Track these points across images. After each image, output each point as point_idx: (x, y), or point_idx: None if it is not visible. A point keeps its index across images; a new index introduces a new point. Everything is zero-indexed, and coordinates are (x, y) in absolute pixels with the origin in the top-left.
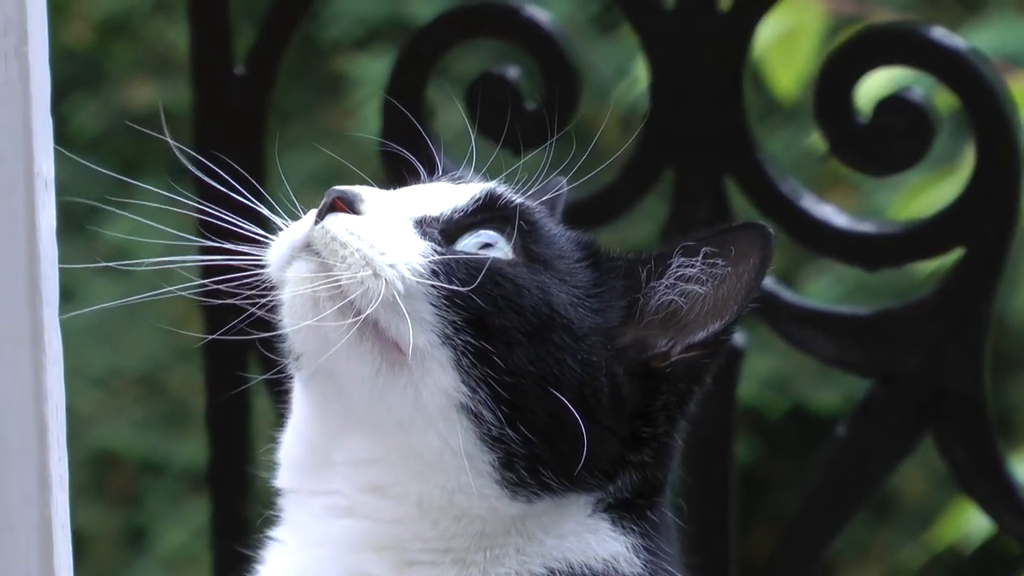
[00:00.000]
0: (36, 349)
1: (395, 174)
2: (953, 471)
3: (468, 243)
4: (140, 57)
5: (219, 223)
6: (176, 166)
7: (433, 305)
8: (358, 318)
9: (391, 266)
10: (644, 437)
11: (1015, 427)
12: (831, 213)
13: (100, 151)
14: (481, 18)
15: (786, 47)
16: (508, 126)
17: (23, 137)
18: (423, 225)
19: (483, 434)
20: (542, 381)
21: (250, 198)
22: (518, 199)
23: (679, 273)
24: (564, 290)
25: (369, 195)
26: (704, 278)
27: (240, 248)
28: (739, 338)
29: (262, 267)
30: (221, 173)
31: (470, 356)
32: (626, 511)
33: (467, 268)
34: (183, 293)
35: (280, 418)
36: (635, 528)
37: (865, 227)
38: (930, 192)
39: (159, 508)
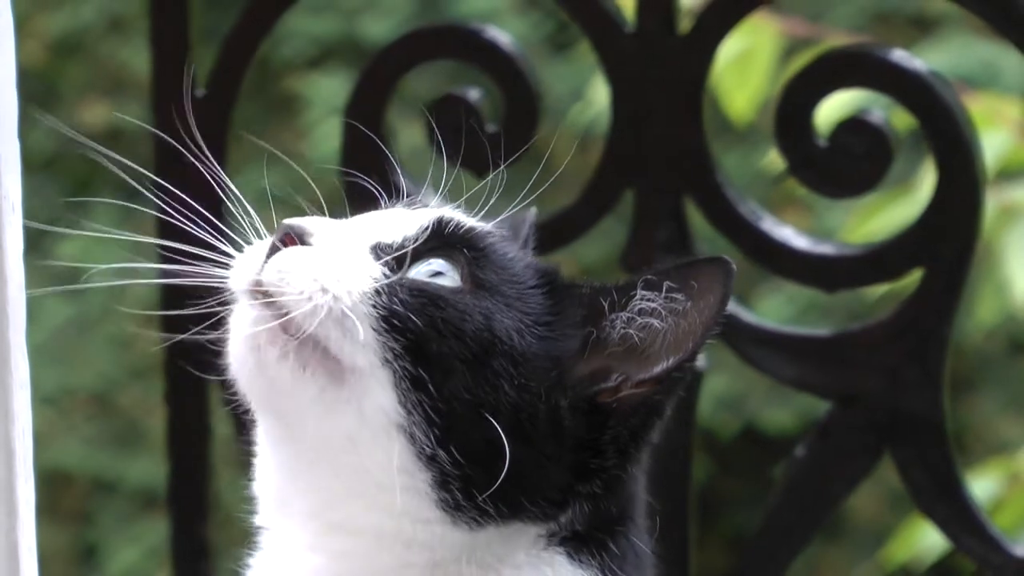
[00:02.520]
0: (3, 372)
1: (356, 195)
2: (912, 493)
3: (419, 271)
4: (93, 76)
5: (180, 243)
6: (130, 186)
7: (374, 329)
8: (301, 335)
9: (336, 287)
10: (593, 468)
11: (969, 446)
12: (790, 235)
13: (53, 170)
14: (442, 39)
15: (740, 69)
16: (469, 148)
17: None
18: (377, 251)
19: (418, 453)
20: (477, 407)
21: (209, 218)
22: (468, 224)
23: (639, 307)
24: (510, 316)
25: (319, 226)
26: (664, 313)
27: (200, 270)
28: (698, 360)
29: (221, 289)
30: (178, 202)
31: (407, 380)
32: (584, 543)
33: (409, 294)
34: (135, 311)
35: (240, 439)
36: (594, 561)
37: (824, 249)
38: (884, 213)
39: (111, 527)
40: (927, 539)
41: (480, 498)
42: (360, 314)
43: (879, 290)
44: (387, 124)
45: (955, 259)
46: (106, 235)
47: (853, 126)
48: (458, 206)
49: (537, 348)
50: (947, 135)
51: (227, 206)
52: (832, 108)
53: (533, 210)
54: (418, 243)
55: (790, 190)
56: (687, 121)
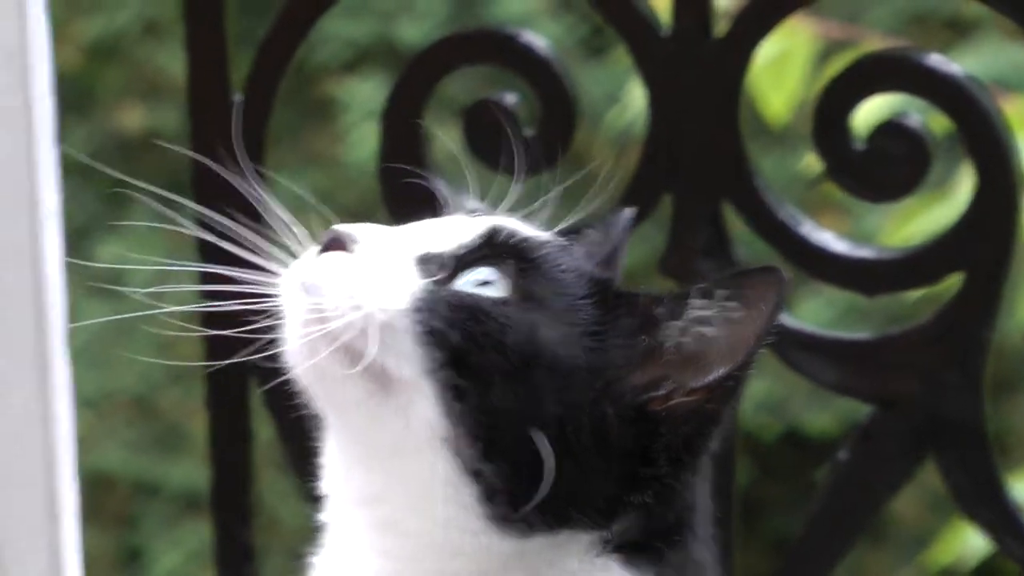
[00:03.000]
0: (45, 376)
1: (394, 200)
2: (955, 496)
3: (467, 280)
4: (129, 81)
5: (220, 251)
6: (165, 189)
7: (415, 341)
8: (342, 344)
9: (369, 301)
10: (644, 478)
11: (1011, 448)
12: (830, 239)
13: (90, 174)
14: (479, 44)
15: (777, 71)
16: (506, 152)
17: (27, 166)
18: (424, 262)
19: (463, 466)
20: (520, 420)
21: (253, 226)
22: (522, 233)
23: (693, 315)
24: (556, 328)
25: (366, 233)
26: (718, 321)
27: (244, 276)
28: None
29: (265, 296)
30: (220, 220)
31: (450, 391)
32: (640, 552)
33: (449, 306)
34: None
35: (285, 442)
36: (651, 569)
37: (864, 253)
38: (922, 216)
39: (154, 530)
40: (970, 542)
41: (526, 510)
42: (400, 327)
43: (917, 293)
44: (424, 129)
45: (994, 262)
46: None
47: (891, 130)
48: (518, 215)
49: (584, 360)
50: (984, 138)
51: (266, 212)
52: (869, 112)
53: (629, 211)
54: (468, 252)
55: (826, 193)
56: (724, 125)
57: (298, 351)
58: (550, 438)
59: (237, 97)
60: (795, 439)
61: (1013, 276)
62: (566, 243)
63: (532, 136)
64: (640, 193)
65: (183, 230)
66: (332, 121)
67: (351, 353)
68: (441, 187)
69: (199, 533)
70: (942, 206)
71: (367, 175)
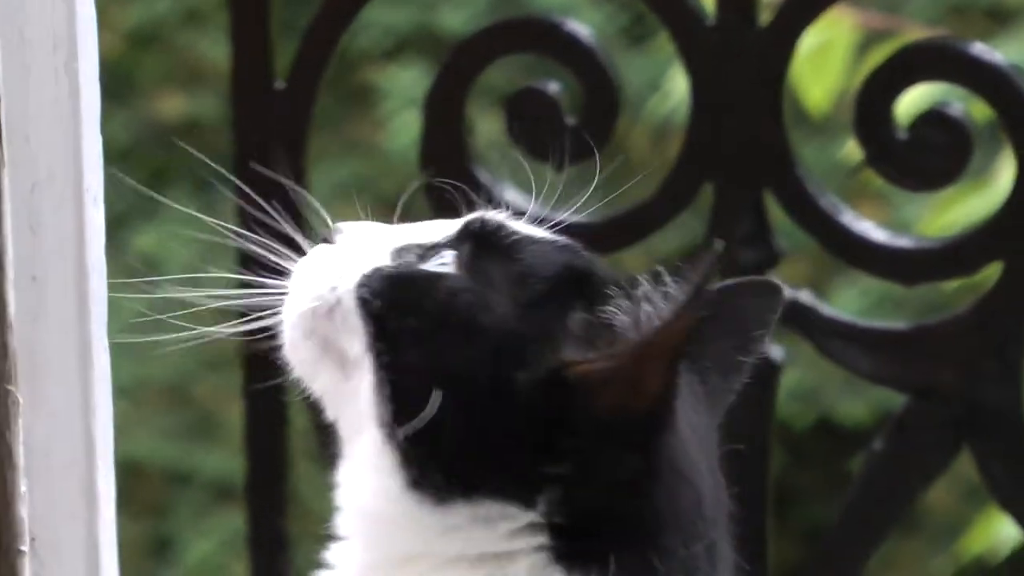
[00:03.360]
0: (84, 365)
1: (435, 189)
2: (990, 486)
3: (430, 264)
4: (170, 68)
5: (258, 247)
6: (206, 178)
7: (360, 317)
8: (308, 329)
9: (326, 282)
10: (563, 449)
11: None
12: (870, 228)
13: (129, 162)
14: (522, 32)
15: (818, 61)
16: (548, 141)
17: (73, 154)
18: (401, 252)
19: (387, 435)
20: (426, 379)
21: (290, 222)
22: (495, 223)
23: (638, 295)
24: (489, 299)
25: (354, 228)
26: (656, 299)
27: (274, 280)
28: (777, 352)
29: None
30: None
31: (376, 361)
32: (586, 561)
33: (383, 279)
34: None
35: (319, 430)
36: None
37: (903, 242)
38: (961, 205)
39: (186, 519)
40: (1003, 531)
41: (441, 473)
42: (347, 306)
43: (954, 283)
44: (467, 117)
45: None
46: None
47: (932, 118)
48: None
49: (510, 329)
50: None
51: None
52: (911, 101)
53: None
54: (441, 240)
55: (865, 182)
56: (767, 114)
57: (285, 341)
58: (454, 399)
59: (280, 85)
60: (828, 428)
61: None
62: (550, 240)
63: (574, 125)
64: (681, 182)
65: (218, 225)
66: (373, 109)
67: (319, 338)
68: (482, 176)
69: (232, 522)
70: (981, 195)
71: (408, 163)
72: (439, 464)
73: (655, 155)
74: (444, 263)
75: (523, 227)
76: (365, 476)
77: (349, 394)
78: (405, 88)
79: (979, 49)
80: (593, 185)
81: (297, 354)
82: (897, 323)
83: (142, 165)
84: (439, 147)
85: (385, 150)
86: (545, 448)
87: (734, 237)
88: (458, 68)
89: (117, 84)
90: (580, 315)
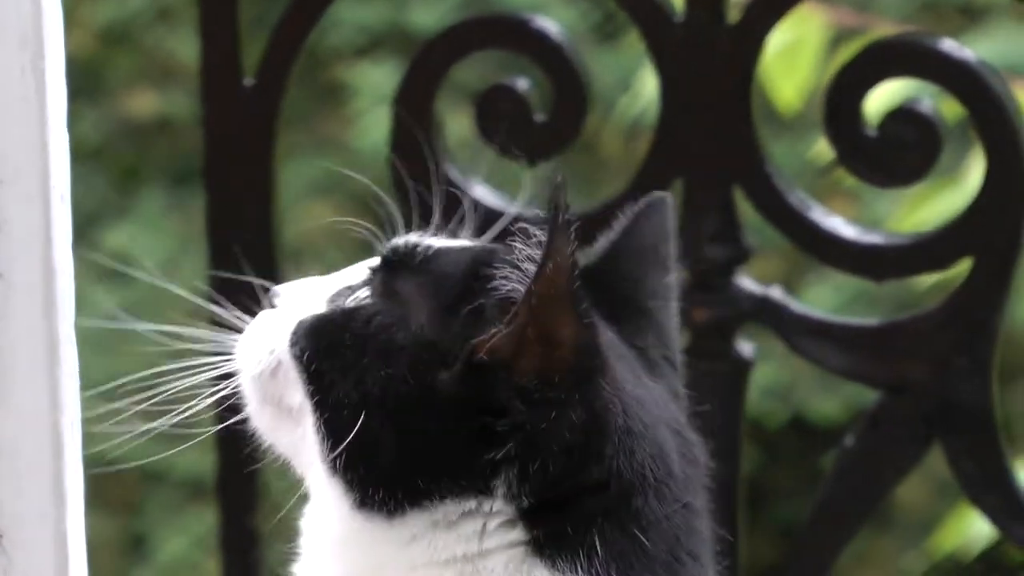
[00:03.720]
0: (52, 362)
1: (402, 187)
2: (961, 482)
3: (351, 300)
4: (142, 66)
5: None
6: (176, 175)
7: (296, 369)
8: (261, 393)
9: (273, 343)
10: (503, 431)
11: (1018, 435)
12: (840, 225)
13: (101, 160)
14: (491, 29)
15: (788, 58)
16: (517, 138)
17: (39, 151)
18: (335, 298)
19: (329, 467)
20: (354, 407)
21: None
22: (408, 245)
23: (518, 260)
24: (403, 315)
25: (290, 288)
26: (533, 255)
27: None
28: (748, 349)
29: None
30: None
31: (313, 401)
32: (566, 547)
33: (306, 328)
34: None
35: None
36: (575, 561)
37: (873, 238)
38: (932, 202)
39: (159, 516)
40: (975, 528)
41: (381, 490)
42: (284, 361)
43: (927, 280)
44: (435, 114)
45: (1004, 247)
46: None
47: (902, 115)
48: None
49: (426, 336)
50: (997, 124)
51: (276, 196)
52: (881, 98)
53: (662, 196)
54: (366, 277)
55: (836, 180)
56: (736, 111)
57: (249, 411)
58: (382, 417)
59: (249, 81)
60: (801, 425)
61: (1022, 262)
62: (461, 247)
63: (544, 122)
64: (651, 178)
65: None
66: (343, 106)
67: (271, 399)
68: (452, 173)
69: (204, 520)
70: (952, 192)
71: (378, 160)
72: (377, 481)
73: (627, 153)
74: (360, 296)
75: (439, 241)
76: (321, 508)
77: (299, 440)
78: (375, 85)
79: (949, 46)
80: (558, 180)
81: (260, 421)
82: (868, 320)
83: (114, 163)
84: (408, 144)
85: (355, 147)
86: (484, 436)
87: (704, 234)
88: (427, 65)
89: (89, 82)
90: (484, 301)
